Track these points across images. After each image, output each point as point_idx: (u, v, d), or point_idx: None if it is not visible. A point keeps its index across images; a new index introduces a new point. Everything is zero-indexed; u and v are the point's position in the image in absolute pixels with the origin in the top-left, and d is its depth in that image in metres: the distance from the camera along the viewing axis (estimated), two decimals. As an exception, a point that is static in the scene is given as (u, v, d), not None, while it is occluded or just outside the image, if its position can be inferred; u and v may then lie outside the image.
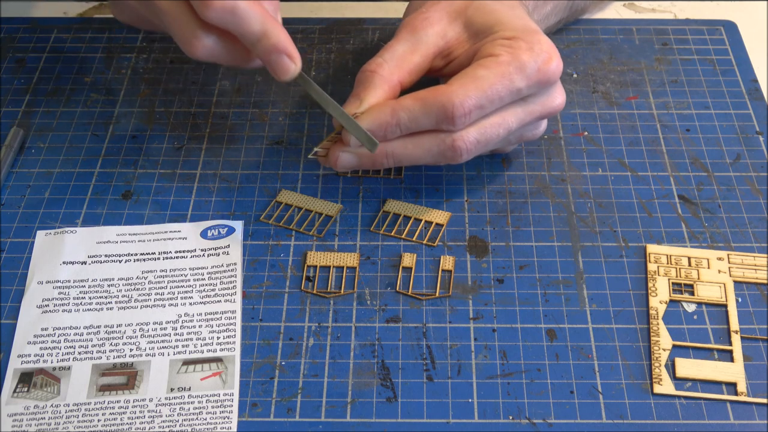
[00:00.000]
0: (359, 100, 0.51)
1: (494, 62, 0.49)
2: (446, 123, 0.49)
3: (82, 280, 0.51)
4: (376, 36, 0.67)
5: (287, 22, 0.68)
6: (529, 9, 0.57)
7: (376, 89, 0.51)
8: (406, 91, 0.52)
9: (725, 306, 0.50)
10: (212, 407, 0.46)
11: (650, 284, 0.51)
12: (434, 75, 0.55)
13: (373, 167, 0.52)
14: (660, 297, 0.50)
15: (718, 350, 0.48)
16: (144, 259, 0.52)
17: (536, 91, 0.51)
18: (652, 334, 0.48)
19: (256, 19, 0.48)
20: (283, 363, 0.48)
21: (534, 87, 0.50)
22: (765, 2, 0.70)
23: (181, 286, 0.51)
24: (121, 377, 0.47)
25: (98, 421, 0.45)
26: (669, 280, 0.51)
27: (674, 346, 0.48)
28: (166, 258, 0.52)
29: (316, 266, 0.52)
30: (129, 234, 0.54)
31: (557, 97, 0.53)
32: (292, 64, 0.49)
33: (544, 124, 0.55)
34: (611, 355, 0.48)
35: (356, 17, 0.69)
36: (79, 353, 0.48)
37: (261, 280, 0.51)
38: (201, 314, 0.50)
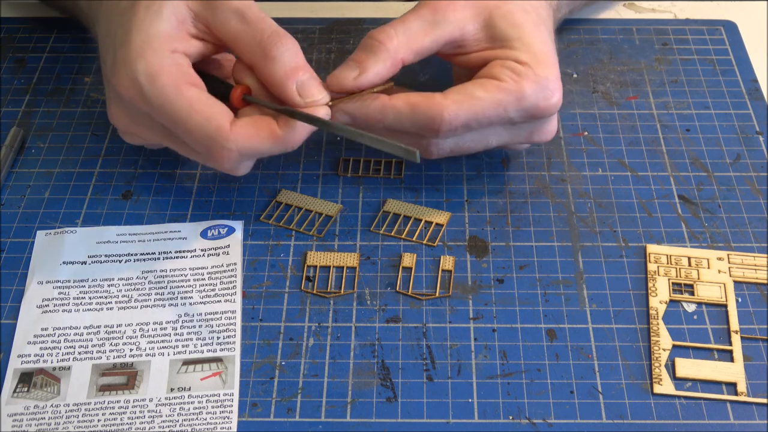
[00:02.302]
0: (358, 68, 0.49)
1: (495, 87, 0.49)
2: (431, 132, 0.49)
3: (82, 280, 0.51)
4: (376, 36, 0.67)
5: (287, 22, 0.69)
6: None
7: (377, 63, 0.49)
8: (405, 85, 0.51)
9: (725, 306, 0.50)
10: (212, 407, 0.46)
11: (650, 284, 0.51)
12: (441, 57, 0.54)
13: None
14: (660, 297, 0.50)
15: (718, 350, 0.48)
16: (144, 259, 0.52)
17: (527, 121, 0.51)
18: (652, 334, 0.48)
19: (274, 146, 0.48)
20: (283, 363, 0.48)
21: (526, 118, 0.50)
22: (765, 2, 0.70)
23: (181, 286, 0.51)
24: (121, 377, 0.47)
25: (98, 421, 0.45)
26: (669, 280, 0.51)
27: (674, 346, 0.48)
28: (166, 258, 0.52)
29: (316, 266, 0.52)
30: (129, 234, 0.54)
31: (549, 130, 0.52)
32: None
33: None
34: (611, 355, 0.48)
35: (356, 17, 0.69)
36: (79, 353, 0.48)
37: (261, 280, 0.51)
38: (201, 314, 0.50)
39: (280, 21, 0.71)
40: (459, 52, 0.53)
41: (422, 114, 0.49)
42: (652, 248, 0.52)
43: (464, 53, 0.52)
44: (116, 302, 0.50)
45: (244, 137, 0.47)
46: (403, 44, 0.50)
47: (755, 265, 0.51)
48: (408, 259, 0.52)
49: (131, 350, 0.48)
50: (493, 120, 0.49)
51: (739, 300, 0.50)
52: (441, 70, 0.63)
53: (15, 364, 0.47)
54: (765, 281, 0.51)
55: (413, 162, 0.47)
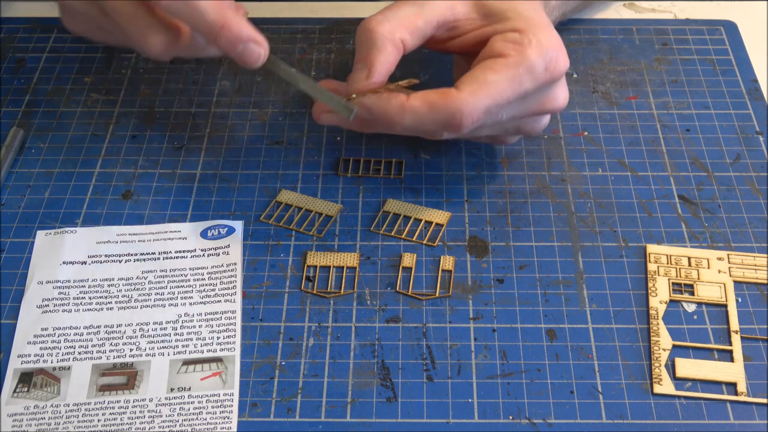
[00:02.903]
0: (366, 68, 0.50)
1: (504, 65, 0.49)
2: (453, 128, 0.49)
3: (82, 280, 0.51)
4: (376, 36, 0.67)
5: (287, 22, 0.69)
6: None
7: (380, 52, 0.50)
8: (406, 75, 0.51)
9: (725, 306, 0.50)
10: (212, 407, 0.46)
11: (650, 284, 0.51)
12: (438, 47, 0.54)
13: (357, 129, 0.53)
14: (660, 297, 0.50)
15: (718, 350, 0.48)
16: (144, 259, 0.52)
17: (539, 89, 0.50)
18: (652, 334, 0.48)
19: (213, 11, 0.47)
20: (283, 363, 0.48)
21: (539, 86, 0.50)
22: (765, 2, 0.70)
23: (181, 286, 0.51)
24: (121, 377, 0.47)
25: (98, 421, 0.45)
26: (669, 280, 0.51)
27: (674, 346, 0.48)
28: (166, 258, 0.52)
29: (316, 266, 0.52)
30: (129, 234, 0.54)
31: (559, 98, 0.52)
32: (260, 49, 0.49)
33: (545, 119, 0.54)
34: (611, 355, 0.48)
35: (356, 17, 0.69)
36: (79, 353, 0.48)
37: (261, 280, 0.51)
38: (201, 314, 0.50)
39: (280, 21, 0.72)
40: (455, 34, 0.52)
41: (442, 111, 0.48)
42: (652, 248, 0.52)
43: (461, 34, 0.52)
44: (116, 302, 0.50)
45: None
46: (396, 26, 0.50)
47: (755, 265, 0.51)
48: (408, 259, 0.52)
49: (131, 350, 0.48)
50: (511, 99, 0.49)
51: (739, 300, 0.50)
52: (441, 70, 0.63)
53: (15, 364, 0.47)
54: (765, 281, 0.51)
55: (348, 117, 0.49)
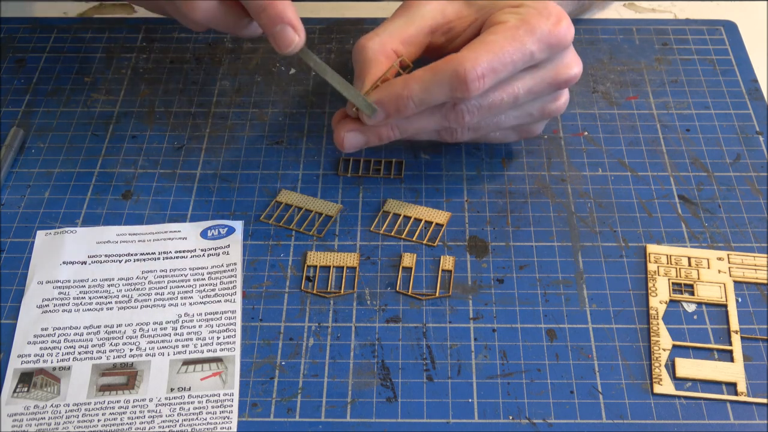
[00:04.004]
0: (361, 81, 0.50)
1: (503, 27, 0.49)
2: (460, 89, 0.48)
3: (82, 280, 0.51)
4: (376, 36, 0.67)
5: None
6: None
7: (371, 63, 0.50)
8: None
9: (725, 306, 0.50)
10: (212, 407, 0.46)
11: (650, 284, 0.51)
12: (440, 55, 0.54)
13: (380, 142, 0.52)
14: (660, 297, 0.50)
15: (718, 350, 0.48)
16: (144, 259, 0.52)
17: (548, 56, 0.50)
18: (652, 334, 0.48)
19: None
20: (283, 363, 0.48)
21: (546, 51, 0.49)
22: (765, 2, 0.70)
23: (181, 286, 0.51)
24: (121, 377, 0.47)
25: (98, 421, 0.45)
26: (669, 280, 0.51)
27: (674, 346, 0.48)
28: (166, 258, 0.52)
29: (316, 266, 0.52)
30: (129, 234, 0.54)
31: (572, 66, 0.51)
32: (295, 36, 0.49)
33: (565, 95, 0.54)
34: (611, 355, 0.48)
35: (356, 17, 0.69)
36: (79, 353, 0.48)
37: (261, 280, 0.51)
38: (201, 314, 0.50)
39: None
40: (452, 36, 0.53)
41: (444, 71, 0.48)
42: (652, 248, 0.52)
43: (458, 35, 0.53)
44: (116, 302, 0.50)
45: None
46: (387, 39, 0.51)
47: (755, 265, 0.51)
48: (408, 259, 0.52)
49: (131, 350, 0.48)
50: (515, 58, 0.48)
51: (739, 300, 0.50)
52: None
53: (15, 364, 0.47)
54: (765, 281, 0.51)
55: (369, 117, 0.49)
